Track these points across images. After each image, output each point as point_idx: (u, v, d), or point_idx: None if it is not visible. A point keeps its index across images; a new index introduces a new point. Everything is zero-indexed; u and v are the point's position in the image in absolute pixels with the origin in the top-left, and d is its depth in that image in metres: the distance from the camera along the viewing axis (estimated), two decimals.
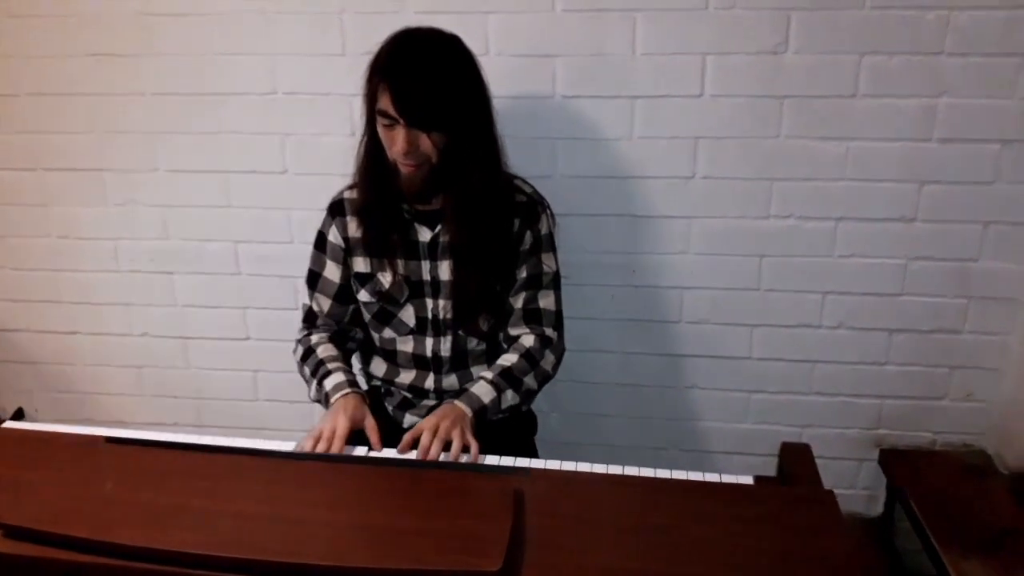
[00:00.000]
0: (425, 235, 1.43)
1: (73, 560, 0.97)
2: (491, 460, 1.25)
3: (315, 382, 1.43)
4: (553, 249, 1.50)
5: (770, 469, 1.29)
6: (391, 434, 1.36)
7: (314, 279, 1.52)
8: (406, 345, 1.51)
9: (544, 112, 1.76)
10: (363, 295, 1.49)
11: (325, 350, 1.48)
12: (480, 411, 1.36)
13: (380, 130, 1.31)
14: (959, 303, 1.80)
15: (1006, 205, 1.71)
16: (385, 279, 1.46)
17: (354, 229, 1.46)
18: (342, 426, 1.29)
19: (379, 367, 1.56)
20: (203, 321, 2.06)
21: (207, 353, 2.10)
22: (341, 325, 1.54)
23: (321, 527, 1.02)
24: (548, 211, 1.50)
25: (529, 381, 1.44)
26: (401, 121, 1.26)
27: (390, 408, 1.57)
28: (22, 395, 2.25)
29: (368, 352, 1.59)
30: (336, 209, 1.48)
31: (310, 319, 1.55)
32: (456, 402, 1.35)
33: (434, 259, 1.44)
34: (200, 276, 2.02)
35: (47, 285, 2.09)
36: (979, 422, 1.89)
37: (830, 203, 1.76)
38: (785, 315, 1.86)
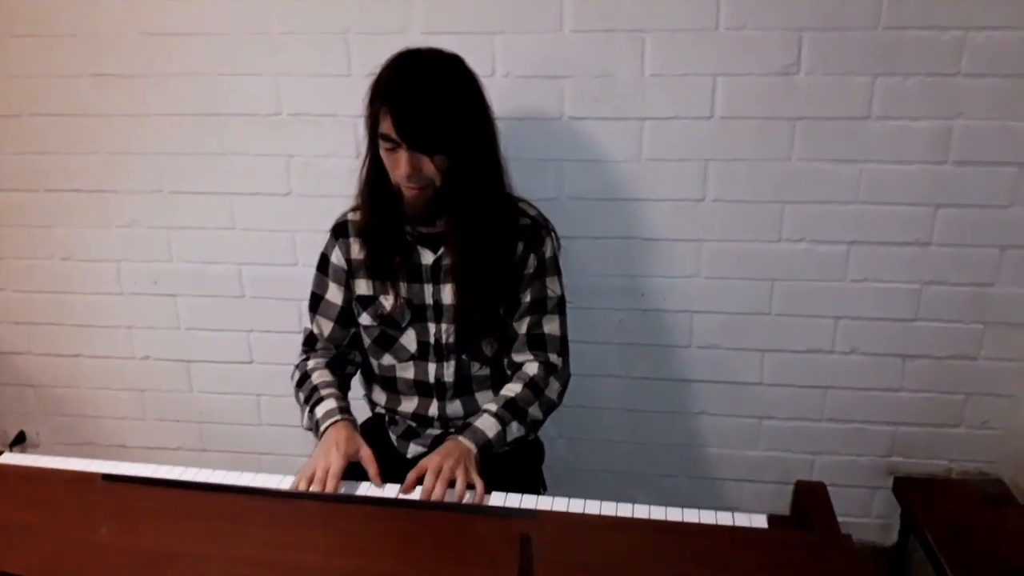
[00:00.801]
0: (428, 258, 1.41)
1: None
2: (496, 498, 1.21)
3: (307, 409, 1.41)
4: (558, 273, 1.47)
5: (782, 497, 1.27)
6: (393, 466, 1.33)
7: (316, 302, 1.50)
8: (407, 372, 1.48)
9: (551, 133, 1.74)
10: (364, 318, 1.46)
11: (320, 376, 1.45)
12: (485, 446, 1.32)
13: (383, 153, 1.30)
14: (975, 328, 1.77)
15: (1023, 229, 1.68)
16: (387, 302, 1.43)
17: (357, 251, 1.44)
18: (335, 464, 1.25)
19: (380, 396, 1.54)
20: (206, 344, 2.04)
21: (210, 377, 2.08)
22: (340, 349, 1.52)
23: (319, 574, 0.99)
24: (552, 234, 1.47)
25: (534, 411, 1.41)
26: (403, 145, 1.24)
27: (394, 438, 1.54)
28: (24, 418, 2.23)
29: (369, 380, 1.57)
30: (340, 231, 1.47)
31: (310, 343, 1.53)
32: (460, 438, 1.32)
33: (436, 282, 1.42)
34: (203, 299, 2.00)
35: (49, 307, 2.07)
36: (996, 450, 1.85)
37: (843, 226, 1.72)
38: (797, 340, 1.83)
